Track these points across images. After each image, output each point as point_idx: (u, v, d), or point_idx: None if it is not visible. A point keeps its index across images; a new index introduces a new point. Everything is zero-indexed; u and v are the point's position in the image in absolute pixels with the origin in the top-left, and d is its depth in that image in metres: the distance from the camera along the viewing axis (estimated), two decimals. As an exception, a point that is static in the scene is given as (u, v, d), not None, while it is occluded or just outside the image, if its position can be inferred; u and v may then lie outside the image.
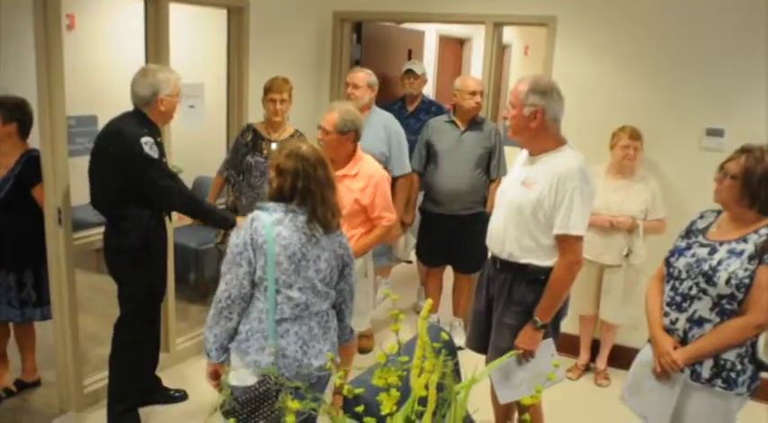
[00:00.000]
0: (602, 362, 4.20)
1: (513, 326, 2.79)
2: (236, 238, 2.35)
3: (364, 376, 1.93)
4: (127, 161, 3.01)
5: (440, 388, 1.44)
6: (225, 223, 3.48)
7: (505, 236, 2.77)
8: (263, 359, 2.33)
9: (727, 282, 2.33)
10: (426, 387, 1.40)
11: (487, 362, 2.92)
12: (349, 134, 3.18)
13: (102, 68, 5.19)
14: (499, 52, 4.65)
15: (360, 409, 1.49)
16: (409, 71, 4.98)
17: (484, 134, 4.27)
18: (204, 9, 4.25)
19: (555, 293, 2.71)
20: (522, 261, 2.75)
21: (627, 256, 3.85)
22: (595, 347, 4.25)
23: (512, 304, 2.80)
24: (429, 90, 6.84)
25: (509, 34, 5.89)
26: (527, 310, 2.75)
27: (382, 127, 4.14)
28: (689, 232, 2.58)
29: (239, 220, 3.24)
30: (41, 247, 3.30)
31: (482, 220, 4.33)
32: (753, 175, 2.33)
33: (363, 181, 3.24)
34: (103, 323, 4.18)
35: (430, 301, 1.59)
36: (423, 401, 1.41)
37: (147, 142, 3.03)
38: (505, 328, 2.82)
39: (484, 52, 4.60)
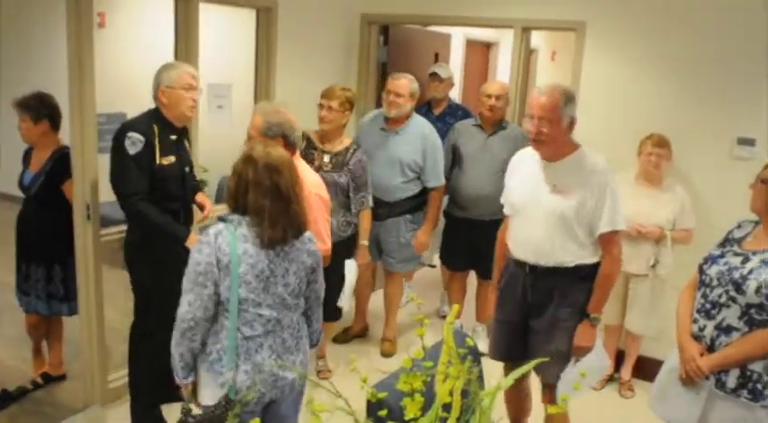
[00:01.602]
0: (626, 372, 4.15)
1: (570, 327, 2.84)
2: (199, 255, 2.17)
3: (388, 381, 1.93)
4: (112, 152, 3.00)
5: (464, 394, 1.42)
6: (174, 238, 3.04)
7: (552, 246, 2.78)
8: (239, 377, 2.24)
9: (757, 291, 2.30)
10: (451, 393, 1.39)
11: (531, 367, 2.91)
12: (276, 140, 2.77)
13: (131, 67, 5.24)
14: (526, 57, 4.63)
15: (383, 413, 1.49)
16: (434, 74, 4.96)
17: (510, 139, 4.20)
18: (233, 9, 4.28)
19: (606, 288, 2.81)
20: (572, 264, 2.78)
21: (653, 266, 3.80)
22: (620, 358, 4.20)
23: (565, 306, 2.84)
24: (455, 94, 6.83)
25: (536, 39, 5.85)
26: (579, 309, 2.82)
27: (420, 137, 4.10)
28: (725, 241, 2.56)
29: (192, 237, 3.04)
30: (71, 242, 3.34)
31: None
32: None
33: None
34: (128, 319, 4.23)
35: (456, 306, 1.58)
36: (446, 408, 1.40)
37: (130, 137, 2.93)
38: (562, 330, 2.85)
39: (511, 57, 4.57)
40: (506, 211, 3.03)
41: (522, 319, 2.94)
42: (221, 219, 2.26)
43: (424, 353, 1.47)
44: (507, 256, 3.00)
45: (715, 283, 2.44)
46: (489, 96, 4.16)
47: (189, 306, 2.19)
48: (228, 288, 2.18)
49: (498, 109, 4.19)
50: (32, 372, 3.76)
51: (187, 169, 3.21)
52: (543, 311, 2.87)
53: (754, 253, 2.39)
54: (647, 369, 3.70)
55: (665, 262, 3.80)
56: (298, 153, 2.90)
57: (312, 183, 2.83)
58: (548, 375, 2.89)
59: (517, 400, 3.16)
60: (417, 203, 4.23)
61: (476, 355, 1.87)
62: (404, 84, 4.08)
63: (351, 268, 3.85)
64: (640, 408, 3.92)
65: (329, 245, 3.07)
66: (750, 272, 2.34)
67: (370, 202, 3.92)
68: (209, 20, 4.01)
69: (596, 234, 2.74)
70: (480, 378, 1.97)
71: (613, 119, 4.14)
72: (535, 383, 3.07)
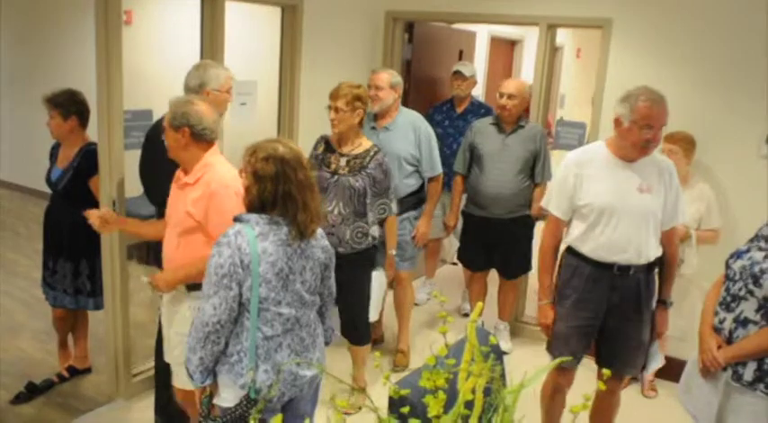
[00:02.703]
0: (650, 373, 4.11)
1: (652, 317, 3.02)
2: (220, 258, 2.18)
3: (411, 378, 1.93)
4: (158, 149, 3.01)
5: (486, 392, 1.42)
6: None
7: (646, 244, 2.88)
8: (259, 377, 2.26)
9: None
10: (473, 391, 1.39)
11: (623, 360, 3.04)
12: (182, 130, 2.61)
13: (157, 64, 5.31)
14: (551, 55, 4.59)
15: (405, 410, 1.49)
16: (457, 72, 4.95)
17: (529, 137, 4.16)
18: (259, 7, 4.30)
19: (674, 273, 3.07)
20: (654, 258, 2.94)
21: (678, 265, 3.76)
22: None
23: (650, 299, 2.99)
24: (479, 91, 6.80)
25: (561, 36, 5.82)
26: (656, 298, 3.03)
27: (411, 128, 3.99)
28: (754, 237, 2.57)
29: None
30: (97, 238, 3.39)
31: (527, 223, 4.29)
32: None
33: (200, 190, 2.63)
34: (152, 314, 4.28)
35: (480, 304, 1.57)
36: (469, 406, 1.40)
37: None
38: (646, 323, 3.01)
39: (537, 54, 4.54)
40: (562, 215, 3.00)
41: (601, 320, 2.98)
42: (237, 219, 2.26)
43: (448, 350, 1.47)
44: (570, 263, 2.99)
45: (737, 276, 2.47)
46: (503, 95, 4.14)
47: (215, 310, 2.18)
48: (250, 288, 2.19)
49: (513, 108, 4.13)
50: (59, 365, 3.82)
51: None
52: (627, 309, 2.94)
53: None
54: (671, 369, 3.66)
55: (690, 262, 3.75)
56: (216, 146, 2.74)
57: (223, 175, 2.65)
58: (631, 369, 3.10)
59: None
60: (419, 199, 4.14)
61: (498, 354, 1.86)
62: (383, 76, 3.96)
63: (380, 280, 3.74)
64: (663, 408, 3.91)
65: None
66: None
67: (395, 210, 3.68)
68: (235, 16, 4.04)
69: (669, 227, 2.94)
70: (503, 376, 1.97)
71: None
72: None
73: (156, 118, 3.38)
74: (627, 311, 2.94)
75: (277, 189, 2.22)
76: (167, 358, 2.86)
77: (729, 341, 2.46)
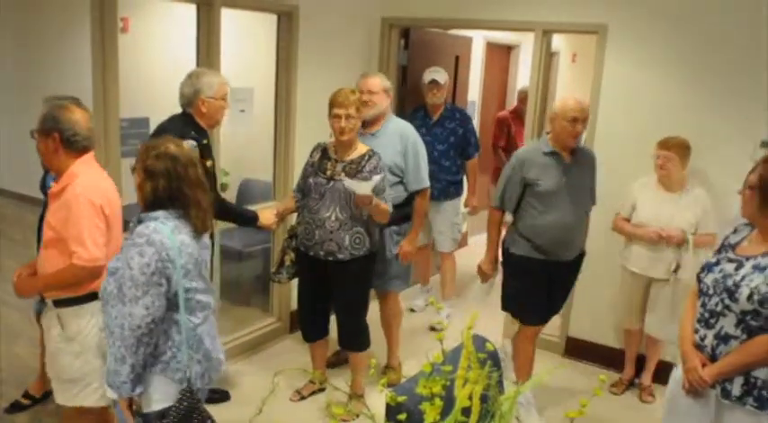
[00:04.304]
0: (647, 378, 4.12)
1: None
2: (143, 258, 2.17)
3: (408, 384, 1.93)
4: None
5: (483, 399, 1.42)
6: (249, 220, 3.52)
7: None
8: (194, 368, 2.30)
9: (749, 297, 2.28)
10: (470, 398, 1.39)
11: None
12: (52, 135, 2.52)
13: (153, 71, 5.31)
14: (547, 60, 4.61)
15: (402, 416, 1.49)
16: (434, 82, 4.79)
17: (588, 163, 3.65)
18: (255, 14, 4.31)
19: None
20: None
21: (675, 270, 3.77)
22: (640, 362, 4.17)
23: None
24: (475, 97, 6.82)
25: (557, 41, 5.83)
26: None
27: (398, 137, 3.80)
28: (721, 247, 2.55)
29: (262, 214, 3.52)
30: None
31: (582, 260, 3.77)
32: (766, 181, 2.32)
33: (60, 200, 2.54)
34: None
35: (476, 312, 1.57)
36: (466, 412, 1.40)
37: (188, 144, 3.02)
38: None
39: (532, 60, 4.55)
40: None
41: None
42: (141, 219, 2.28)
43: (444, 357, 1.48)
44: None
45: (711, 291, 2.42)
46: (576, 120, 3.38)
47: (147, 310, 2.18)
48: (176, 282, 2.25)
49: (580, 135, 3.51)
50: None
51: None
52: None
53: (747, 258, 2.38)
54: (667, 374, 3.65)
55: (687, 266, 3.75)
56: (90, 155, 2.65)
57: (87, 185, 2.56)
58: None
59: None
60: (403, 214, 3.82)
61: (495, 360, 1.86)
62: (376, 81, 3.83)
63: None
64: (661, 413, 3.89)
65: (93, 253, 2.52)
66: (742, 278, 2.32)
67: (390, 210, 3.56)
68: (231, 24, 4.05)
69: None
70: (500, 383, 1.97)
71: (634, 122, 4.11)
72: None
73: (153, 125, 3.39)
74: None
75: (170, 186, 2.26)
76: (50, 373, 2.76)
77: (713, 358, 2.41)
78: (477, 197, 5.26)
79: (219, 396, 3.78)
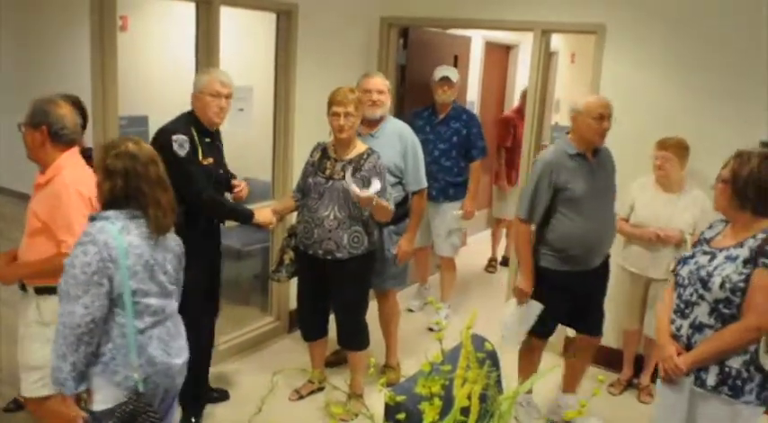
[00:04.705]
0: (645, 378, 4.12)
1: None
2: (86, 257, 2.16)
3: (407, 384, 1.93)
4: (162, 157, 3.08)
5: (482, 399, 1.43)
6: (244, 217, 3.43)
7: None
8: (134, 374, 2.26)
9: (721, 286, 2.38)
10: (469, 397, 1.39)
11: None
12: (40, 128, 2.58)
13: (152, 70, 5.30)
14: (546, 59, 4.61)
15: (401, 416, 1.49)
16: (445, 78, 4.77)
17: (609, 163, 3.53)
18: (254, 13, 4.31)
19: None
20: None
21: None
22: (638, 363, 4.18)
23: None
24: (474, 97, 6.82)
25: (556, 41, 5.82)
26: None
27: (397, 137, 3.80)
28: (697, 242, 2.66)
29: (257, 213, 3.42)
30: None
31: (608, 263, 3.64)
32: (739, 176, 2.42)
33: (47, 191, 2.62)
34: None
35: (475, 310, 1.57)
36: (465, 412, 1.41)
37: (176, 140, 3.10)
38: None
39: (531, 59, 4.56)
40: None
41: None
42: (95, 217, 2.26)
43: (443, 357, 1.48)
44: None
45: (686, 282, 2.52)
46: (603, 117, 3.28)
47: (86, 309, 2.16)
48: (120, 282, 2.20)
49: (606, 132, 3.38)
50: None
51: (221, 171, 3.31)
52: None
53: (720, 250, 2.48)
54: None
55: (686, 267, 3.76)
56: (75, 149, 2.73)
57: (73, 178, 2.63)
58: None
59: None
60: (400, 213, 3.81)
61: (494, 360, 1.87)
62: (382, 81, 3.85)
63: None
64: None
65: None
66: (715, 268, 2.43)
67: (392, 209, 3.57)
68: (231, 23, 4.04)
69: None
70: (499, 382, 1.97)
71: (633, 123, 4.11)
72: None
73: (151, 124, 3.39)
74: None
75: (128, 184, 2.24)
76: (19, 360, 2.79)
77: (688, 347, 2.49)
78: (478, 200, 5.17)
79: (219, 395, 3.79)
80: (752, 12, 3.78)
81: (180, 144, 3.10)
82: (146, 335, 2.29)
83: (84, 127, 3.55)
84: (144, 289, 2.26)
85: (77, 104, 3.51)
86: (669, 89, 4.05)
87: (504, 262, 6.26)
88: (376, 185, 3.30)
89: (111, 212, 2.25)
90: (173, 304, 2.42)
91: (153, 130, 3.65)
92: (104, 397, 2.27)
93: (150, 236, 2.28)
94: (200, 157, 3.21)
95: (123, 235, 2.21)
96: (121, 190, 2.24)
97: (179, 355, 2.42)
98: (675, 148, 3.74)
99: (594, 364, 4.38)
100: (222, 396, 3.80)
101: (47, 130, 2.60)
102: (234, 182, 3.55)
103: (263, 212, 3.50)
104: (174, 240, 2.43)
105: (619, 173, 3.93)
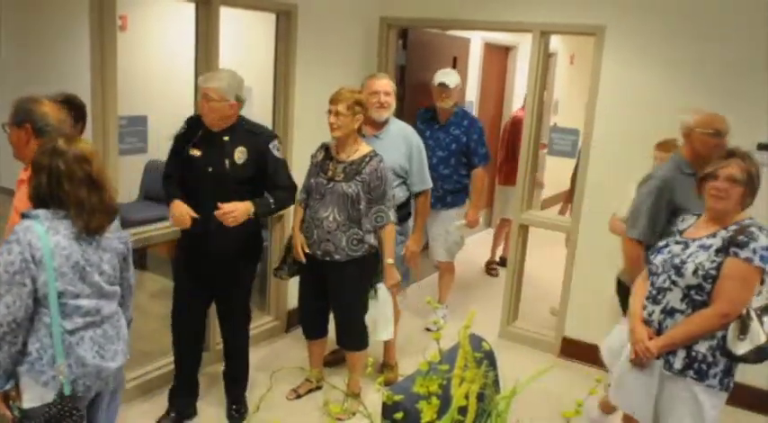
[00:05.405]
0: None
1: None
2: (9, 256, 2.13)
3: (404, 383, 1.94)
4: None
5: (480, 398, 1.43)
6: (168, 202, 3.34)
7: None
8: (59, 375, 2.23)
9: (694, 272, 2.51)
10: (466, 397, 1.40)
11: None
12: (24, 126, 2.58)
13: (152, 70, 5.31)
14: (545, 61, 4.62)
15: (398, 415, 1.50)
16: (442, 85, 4.67)
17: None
18: (254, 13, 4.31)
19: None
20: None
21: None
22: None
23: None
24: (473, 97, 6.83)
25: (554, 42, 5.83)
26: None
27: (403, 139, 3.83)
28: (670, 233, 2.77)
29: (175, 202, 3.24)
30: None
31: None
32: (753, 175, 2.54)
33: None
34: (146, 319, 4.27)
35: (473, 311, 1.58)
36: (462, 411, 1.41)
37: (183, 123, 3.34)
38: None
39: (530, 61, 4.56)
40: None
41: None
42: (24, 215, 2.22)
43: (441, 356, 1.48)
44: None
45: (660, 270, 2.65)
46: (718, 133, 3.06)
47: (8, 308, 2.13)
48: (45, 283, 2.16)
49: None
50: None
51: (210, 169, 3.25)
52: None
53: (694, 240, 2.61)
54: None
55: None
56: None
57: None
58: None
59: None
60: (404, 214, 3.88)
61: (492, 360, 1.87)
62: (388, 82, 3.86)
63: (386, 297, 3.61)
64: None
65: None
66: (689, 256, 2.56)
67: (392, 218, 3.53)
68: (230, 22, 4.05)
69: None
70: (496, 382, 1.98)
71: (633, 123, 4.12)
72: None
73: (151, 124, 3.40)
74: None
75: (50, 182, 2.19)
76: None
77: (659, 332, 2.62)
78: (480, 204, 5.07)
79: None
80: (752, 12, 3.79)
81: (181, 126, 3.34)
82: (76, 336, 2.25)
83: (83, 127, 3.57)
84: (73, 290, 2.21)
85: (77, 104, 3.53)
86: (669, 90, 4.06)
87: (502, 262, 6.26)
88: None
89: (41, 211, 2.20)
90: (111, 305, 2.37)
91: (153, 129, 3.67)
92: (32, 396, 2.25)
93: (81, 236, 2.22)
94: (189, 147, 3.28)
95: (50, 235, 2.16)
96: (45, 187, 2.20)
97: (114, 359, 2.36)
98: (672, 149, 3.75)
99: (592, 363, 4.40)
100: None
101: (31, 128, 2.59)
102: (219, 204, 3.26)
103: (179, 208, 3.26)
104: (117, 238, 2.37)
105: (617, 174, 3.94)
